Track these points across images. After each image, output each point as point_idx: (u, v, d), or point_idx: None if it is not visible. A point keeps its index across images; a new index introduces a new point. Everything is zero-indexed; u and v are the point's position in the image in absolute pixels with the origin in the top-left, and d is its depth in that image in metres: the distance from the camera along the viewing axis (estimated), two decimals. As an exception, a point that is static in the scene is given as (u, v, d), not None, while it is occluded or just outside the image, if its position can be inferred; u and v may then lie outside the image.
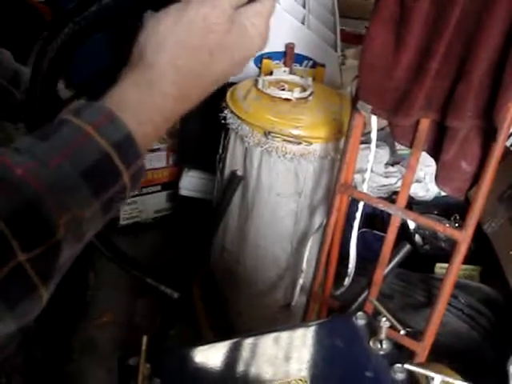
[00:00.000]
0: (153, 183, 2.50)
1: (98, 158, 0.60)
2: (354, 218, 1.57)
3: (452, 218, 2.15)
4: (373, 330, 0.97)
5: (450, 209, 2.16)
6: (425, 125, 1.37)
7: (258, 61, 1.93)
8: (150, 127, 0.65)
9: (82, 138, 0.60)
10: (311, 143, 1.61)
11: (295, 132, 1.60)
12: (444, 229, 1.47)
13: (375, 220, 2.10)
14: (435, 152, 1.44)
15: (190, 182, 2.32)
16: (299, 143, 1.60)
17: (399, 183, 2.12)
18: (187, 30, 0.65)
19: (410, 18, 1.31)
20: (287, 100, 1.70)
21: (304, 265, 1.75)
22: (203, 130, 2.16)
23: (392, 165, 2.32)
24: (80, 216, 0.59)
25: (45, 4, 2.84)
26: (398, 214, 1.45)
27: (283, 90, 1.71)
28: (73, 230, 0.59)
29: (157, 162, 2.46)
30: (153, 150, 2.44)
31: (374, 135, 1.44)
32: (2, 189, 0.55)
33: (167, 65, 0.65)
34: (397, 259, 1.58)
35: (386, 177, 2.22)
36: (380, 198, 1.98)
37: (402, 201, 1.46)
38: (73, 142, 0.60)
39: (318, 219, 1.73)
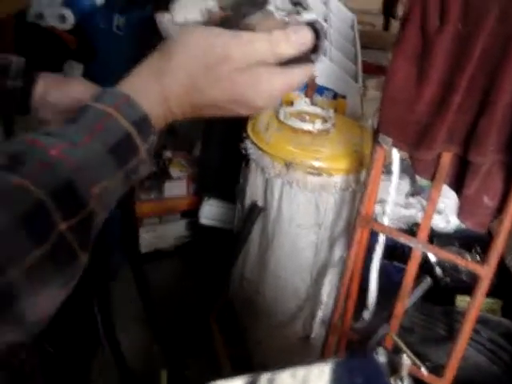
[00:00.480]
0: (173, 211, 2.51)
1: (121, 136, 0.69)
2: (375, 249, 1.56)
3: (473, 250, 2.13)
4: (393, 367, 0.96)
5: (471, 241, 2.14)
6: (446, 159, 1.36)
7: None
8: (160, 110, 0.73)
9: (105, 119, 0.68)
10: (332, 175, 1.60)
11: (316, 164, 1.60)
12: (466, 263, 1.46)
13: (395, 251, 2.08)
14: (457, 185, 1.43)
15: (210, 211, 2.33)
16: (320, 175, 1.59)
17: (420, 214, 2.11)
18: (209, 49, 0.72)
19: (433, 51, 1.31)
20: (308, 131, 1.70)
21: (324, 297, 1.75)
22: (224, 160, 2.17)
23: (412, 195, 2.31)
24: (107, 188, 0.67)
25: (69, 33, 2.88)
26: (419, 248, 1.44)
27: (304, 121, 1.71)
28: (102, 201, 0.67)
29: (177, 190, 2.47)
30: (173, 179, 2.45)
31: (395, 169, 1.44)
32: (42, 168, 0.62)
33: (181, 66, 0.72)
34: (417, 293, 1.57)
35: (407, 208, 2.21)
36: (400, 229, 1.97)
37: (423, 234, 1.45)
38: (98, 123, 0.68)
39: (338, 251, 1.72)
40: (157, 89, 0.72)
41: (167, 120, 0.75)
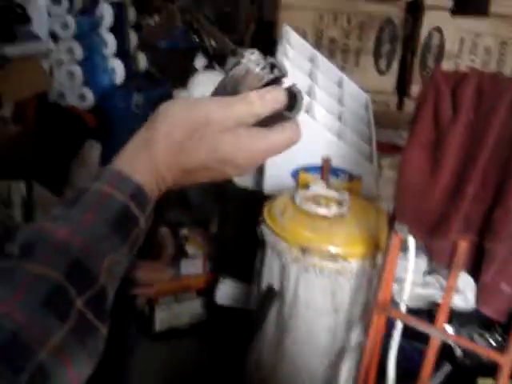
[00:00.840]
0: (189, 289, 2.50)
1: (120, 210, 0.72)
2: (392, 332, 1.54)
3: (493, 330, 2.10)
4: None
5: (491, 320, 2.11)
6: (463, 247, 1.36)
7: (295, 173, 1.96)
8: (152, 178, 0.76)
9: (103, 197, 0.72)
10: (348, 260, 1.60)
11: (332, 249, 1.60)
12: (486, 353, 1.45)
13: (414, 331, 2.05)
14: (474, 271, 1.43)
15: (226, 291, 2.32)
16: (336, 260, 1.60)
17: (438, 293, 2.09)
18: (190, 116, 0.76)
19: (446, 142, 1.33)
20: (324, 216, 1.70)
21: (341, 381, 1.72)
22: (240, 240, 2.18)
23: (430, 273, 2.29)
24: (114, 260, 0.71)
25: (89, 112, 2.95)
26: (437, 336, 1.43)
27: (320, 205, 1.72)
28: (111, 273, 0.70)
29: (193, 268, 2.46)
30: (190, 257, 2.46)
31: (411, 256, 1.44)
32: (53, 251, 0.67)
33: (165, 135, 0.76)
34: (437, 380, 1.55)
35: (424, 287, 2.19)
36: (418, 309, 1.95)
37: (441, 322, 1.44)
38: (97, 201, 0.72)
39: (355, 335, 1.71)
40: (146, 158, 0.76)
41: (160, 187, 0.78)
